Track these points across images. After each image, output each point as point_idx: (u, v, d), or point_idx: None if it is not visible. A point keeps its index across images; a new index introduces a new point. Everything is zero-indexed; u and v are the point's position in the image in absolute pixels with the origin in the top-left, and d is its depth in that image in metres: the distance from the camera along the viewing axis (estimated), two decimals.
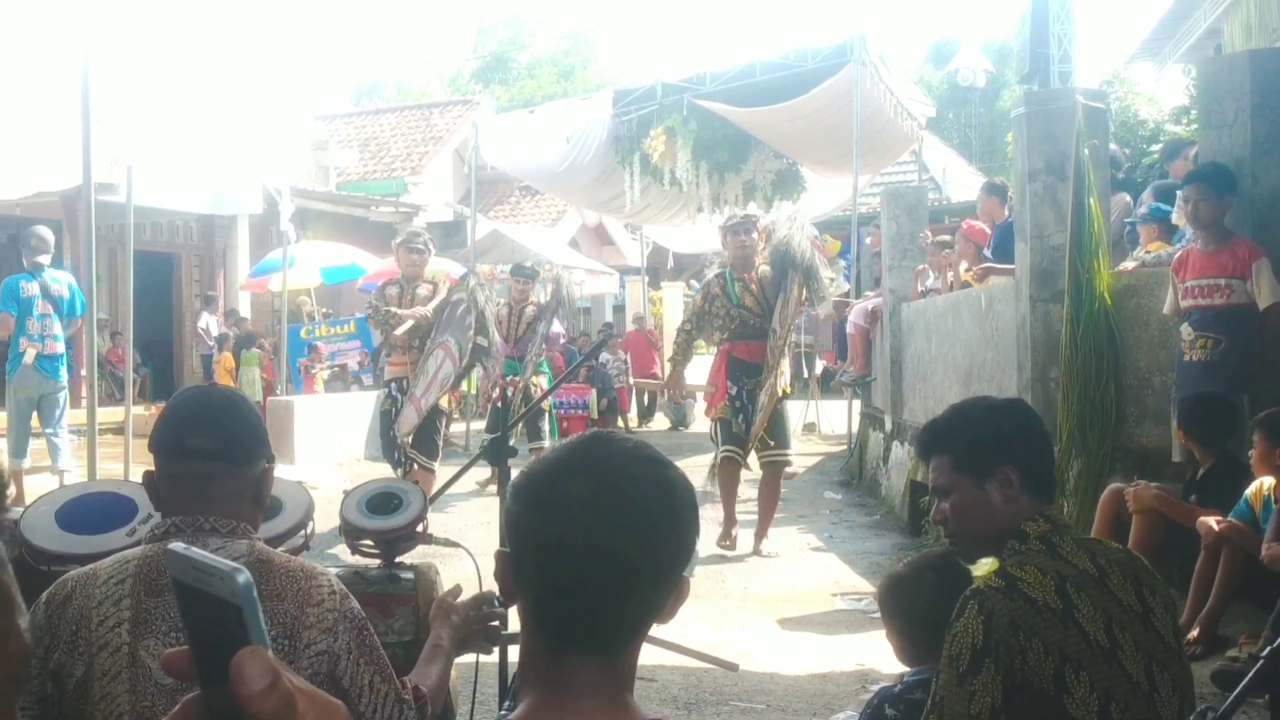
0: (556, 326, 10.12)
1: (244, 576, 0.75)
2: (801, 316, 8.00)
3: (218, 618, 0.76)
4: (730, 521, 7.48)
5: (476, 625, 2.35)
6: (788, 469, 7.81)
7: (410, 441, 7.96)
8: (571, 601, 1.15)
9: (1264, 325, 4.96)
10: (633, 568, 1.15)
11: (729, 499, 7.51)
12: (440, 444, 8.20)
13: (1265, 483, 4.42)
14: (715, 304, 7.67)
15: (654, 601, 1.18)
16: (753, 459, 7.55)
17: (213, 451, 1.98)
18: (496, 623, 2.36)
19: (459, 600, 2.38)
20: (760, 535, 7.51)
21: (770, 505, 7.60)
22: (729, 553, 7.32)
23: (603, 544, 1.14)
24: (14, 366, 8.28)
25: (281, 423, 10.56)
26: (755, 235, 7.70)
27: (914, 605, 2.62)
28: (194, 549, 0.78)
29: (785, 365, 7.74)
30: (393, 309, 8.01)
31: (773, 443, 7.44)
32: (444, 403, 8.08)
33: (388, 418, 8.21)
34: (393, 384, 8.23)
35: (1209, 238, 5.11)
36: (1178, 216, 6.22)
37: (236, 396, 2.16)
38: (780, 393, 7.40)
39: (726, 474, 7.51)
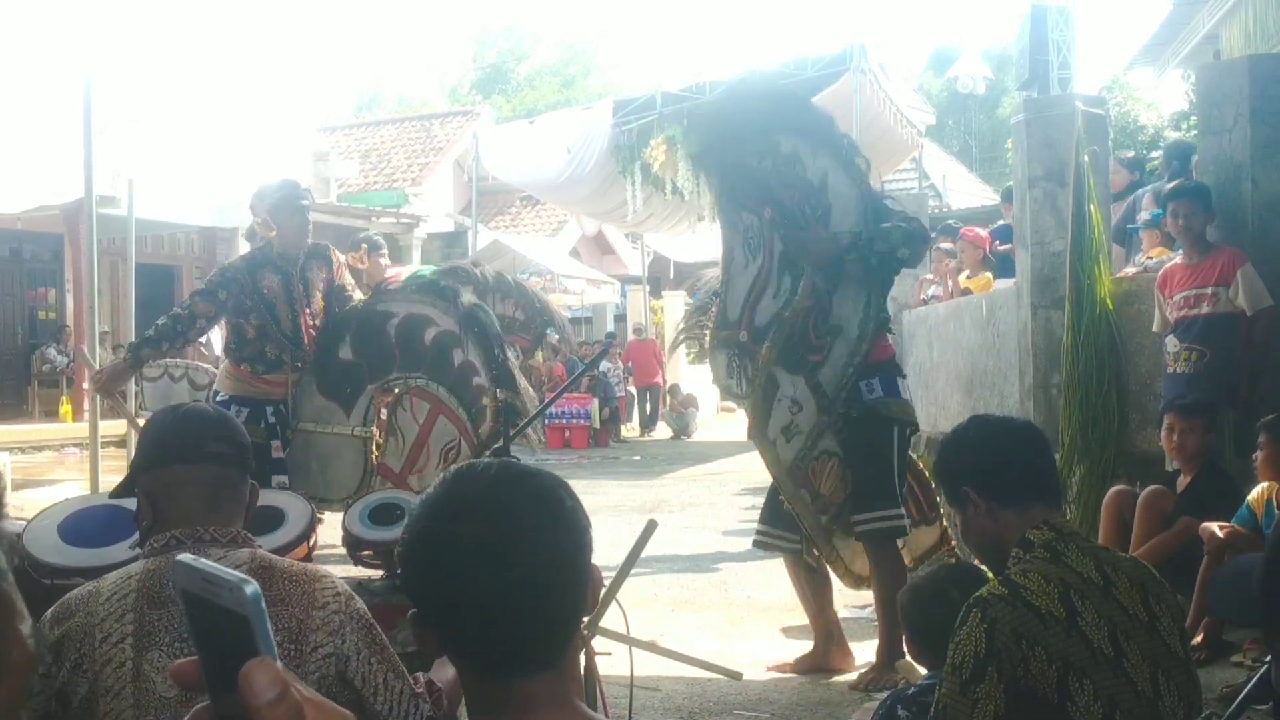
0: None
1: (251, 588, 0.76)
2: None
3: (226, 629, 0.77)
4: (820, 635, 4.75)
5: None
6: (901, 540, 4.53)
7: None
8: (493, 641, 1.17)
9: (1251, 330, 5.05)
10: (539, 593, 1.17)
11: (804, 602, 4.85)
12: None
13: (1268, 487, 4.42)
14: None
15: (572, 609, 1.21)
16: None
17: (229, 457, 2.00)
18: None
19: None
20: (880, 661, 4.45)
21: (881, 597, 4.43)
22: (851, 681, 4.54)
23: (503, 584, 1.15)
24: None
25: None
26: None
27: (934, 615, 2.62)
28: (202, 560, 0.78)
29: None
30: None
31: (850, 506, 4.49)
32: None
33: (266, 453, 4.99)
34: (268, 408, 5.23)
35: (1194, 250, 5.22)
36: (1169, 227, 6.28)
37: (227, 412, 2.19)
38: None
39: (790, 572, 4.85)
